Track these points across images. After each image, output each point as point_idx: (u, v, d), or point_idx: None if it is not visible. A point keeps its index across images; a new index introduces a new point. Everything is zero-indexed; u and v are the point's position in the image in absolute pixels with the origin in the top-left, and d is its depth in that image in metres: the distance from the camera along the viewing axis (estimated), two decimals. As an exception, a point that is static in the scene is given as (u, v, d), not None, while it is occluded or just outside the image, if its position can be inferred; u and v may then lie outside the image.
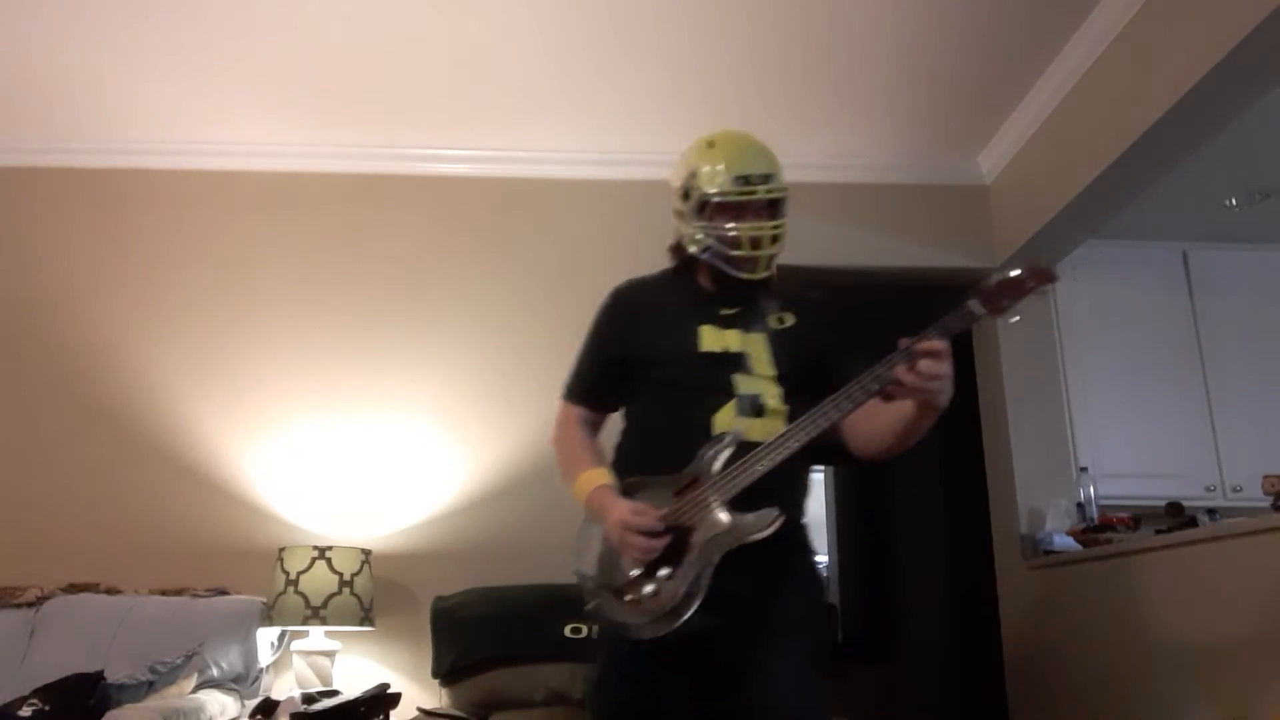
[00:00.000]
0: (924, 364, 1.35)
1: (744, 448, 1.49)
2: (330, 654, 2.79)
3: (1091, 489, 3.25)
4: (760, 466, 1.46)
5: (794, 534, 1.60)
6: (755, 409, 1.57)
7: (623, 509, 1.51)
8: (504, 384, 3.33)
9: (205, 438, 3.24)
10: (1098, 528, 3.02)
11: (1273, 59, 2.27)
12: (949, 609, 4.03)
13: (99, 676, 2.38)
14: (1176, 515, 2.74)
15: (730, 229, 1.62)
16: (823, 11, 2.74)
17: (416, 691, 2.94)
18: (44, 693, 2.30)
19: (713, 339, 1.63)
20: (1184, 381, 3.71)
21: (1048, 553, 3.15)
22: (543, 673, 2.69)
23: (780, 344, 1.64)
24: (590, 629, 2.71)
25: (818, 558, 1.69)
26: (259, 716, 2.42)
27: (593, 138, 3.44)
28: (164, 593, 2.93)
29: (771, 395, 1.59)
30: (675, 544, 1.49)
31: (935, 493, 4.20)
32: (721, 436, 1.52)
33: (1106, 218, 3.14)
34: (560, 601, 2.75)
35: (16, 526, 3.10)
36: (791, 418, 1.52)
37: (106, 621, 2.73)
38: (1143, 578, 2.59)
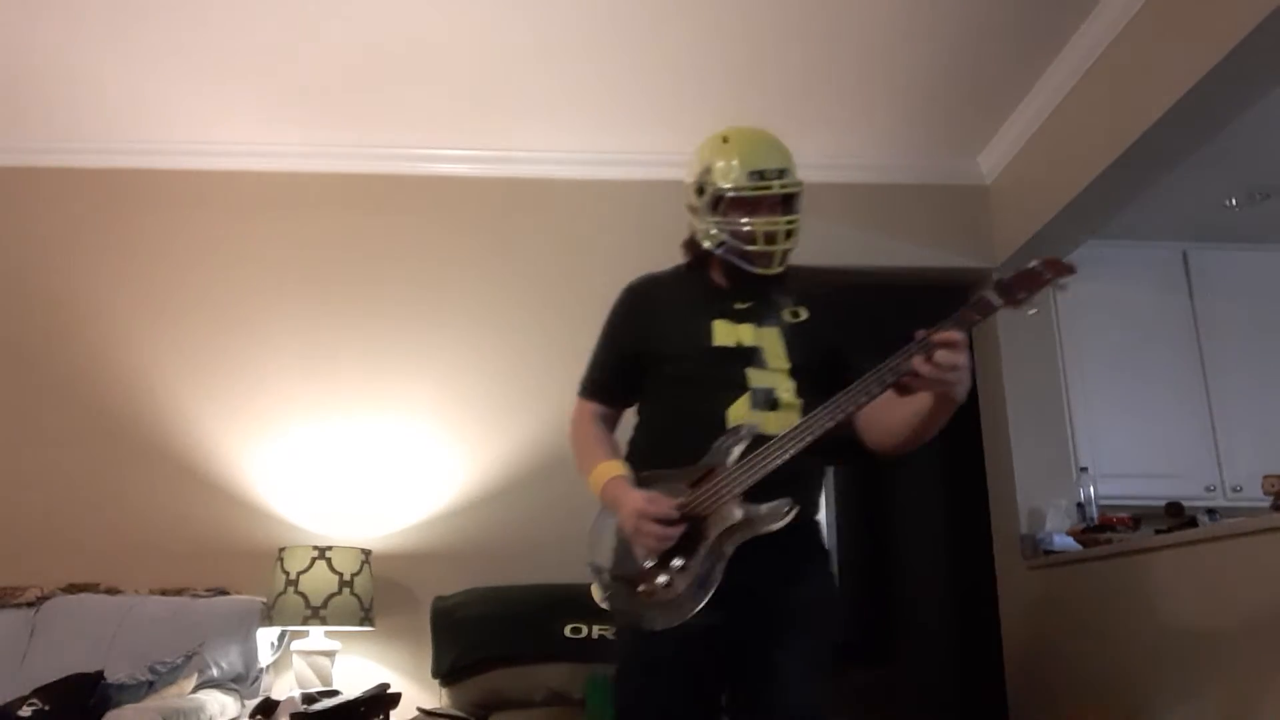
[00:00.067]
0: (941, 355, 1.34)
1: (759, 441, 1.49)
2: (330, 654, 2.79)
3: (1091, 489, 3.25)
4: (777, 458, 1.45)
5: (807, 528, 1.61)
6: (769, 402, 1.57)
7: (638, 498, 1.51)
8: (503, 384, 3.34)
9: (205, 438, 3.24)
10: (1098, 528, 3.02)
11: (1273, 59, 2.27)
12: (949, 609, 4.04)
13: (99, 676, 2.38)
14: (1176, 515, 2.75)
15: (745, 224, 1.62)
16: (821, 11, 2.74)
17: (416, 691, 2.94)
18: (44, 693, 2.30)
19: (726, 334, 1.63)
20: (1184, 382, 3.70)
21: (1048, 553, 3.14)
22: (543, 673, 2.69)
23: (794, 338, 1.64)
24: (590, 629, 2.72)
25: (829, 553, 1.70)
26: (259, 716, 2.42)
27: (593, 138, 3.44)
28: (164, 593, 2.93)
29: (785, 389, 1.59)
30: (689, 535, 1.49)
31: (935, 493, 4.20)
32: (737, 429, 1.52)
33: (1107, 218, 3.14)
34: (560, 601, 2.75)
35: (16, 526, 3.10)
36: (805, 411, 1.52)
37: (106, 621, 2.74)
38: (1143, 578, 2.59)
